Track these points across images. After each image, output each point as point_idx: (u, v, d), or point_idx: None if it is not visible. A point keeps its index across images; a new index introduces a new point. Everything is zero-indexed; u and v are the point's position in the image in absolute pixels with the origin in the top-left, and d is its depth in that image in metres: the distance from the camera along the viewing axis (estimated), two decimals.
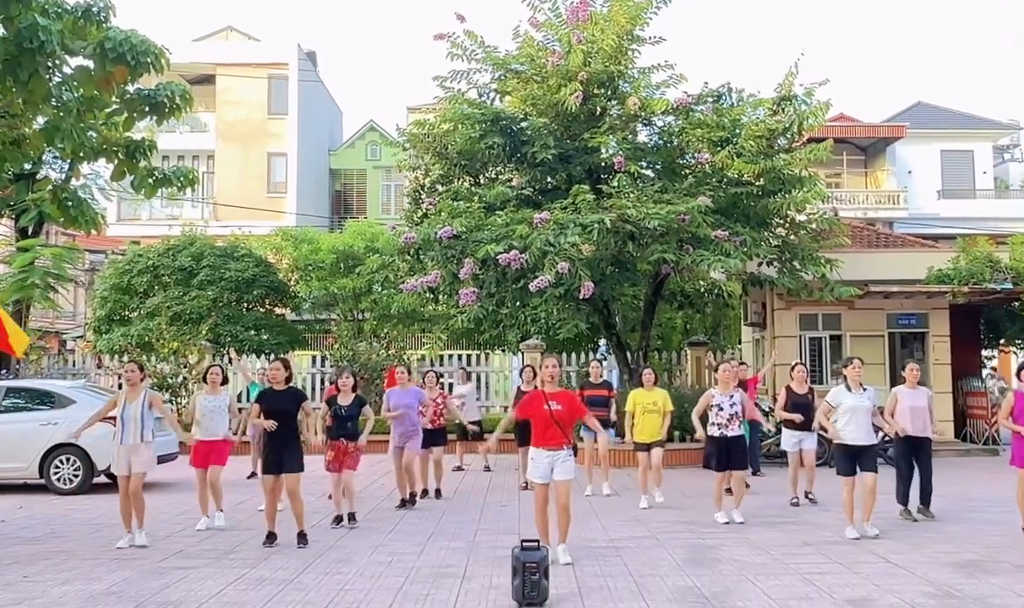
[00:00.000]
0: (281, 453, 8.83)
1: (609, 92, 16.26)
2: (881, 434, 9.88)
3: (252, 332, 21.89)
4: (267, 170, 36.37)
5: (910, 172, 35.98)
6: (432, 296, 16.99)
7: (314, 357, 22.03)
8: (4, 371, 17.95)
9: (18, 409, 13.31)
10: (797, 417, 11.34)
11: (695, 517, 10.42)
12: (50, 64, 9.68)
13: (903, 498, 10.30)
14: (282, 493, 9.13)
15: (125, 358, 19.27)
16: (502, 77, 16.77)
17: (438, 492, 12.30)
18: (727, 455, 10.07)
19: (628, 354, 17.60)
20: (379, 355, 19.54)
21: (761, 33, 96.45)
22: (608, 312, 17.62)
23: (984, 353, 21.44)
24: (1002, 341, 21.52)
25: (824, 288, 15.80)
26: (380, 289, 22.97)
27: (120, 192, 24.08)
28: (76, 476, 12.86)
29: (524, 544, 6.78)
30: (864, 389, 9.45)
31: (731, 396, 10.17)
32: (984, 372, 20.00)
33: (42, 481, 12.89)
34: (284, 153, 36.38)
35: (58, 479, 12.86)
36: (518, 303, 16.15)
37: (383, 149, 35.95)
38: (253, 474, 13.40)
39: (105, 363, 21.83)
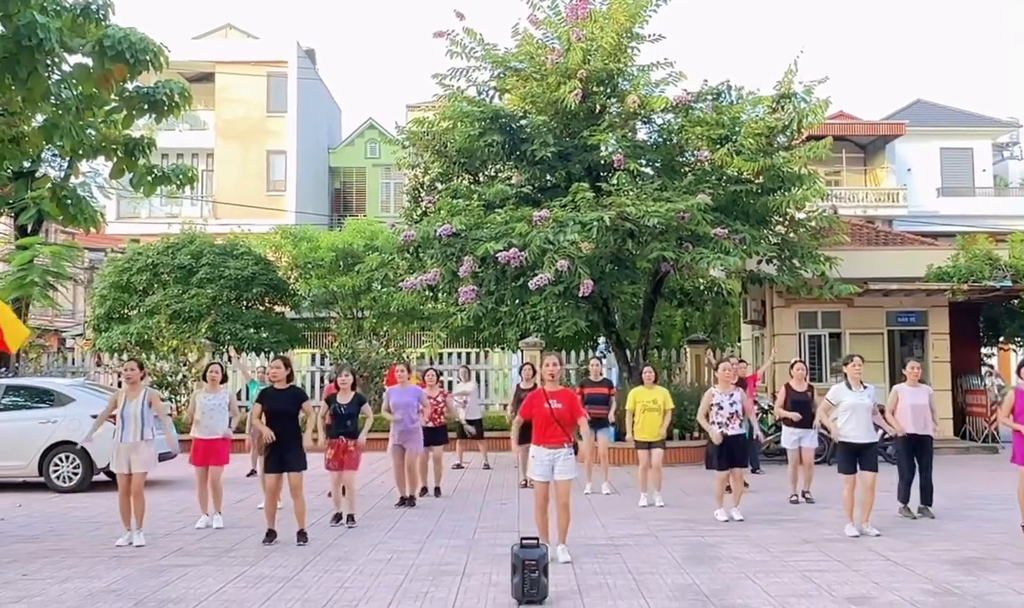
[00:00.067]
0: (284, 453, 8.82)
1: (608, 90, 16.25)
2: (880, 431, 9.87)
3: (251, 330, 21.90)
4: (266, 168, 36.35)
5: (909, 170, 35.99)
6: (431, 294, 16.99)
7: (313, 355, 22.02)
8: (3, 369, 17.95)
9: (17, 407, 13.30)
10: (795, 416, 11.34)
11: (694, 515, 10.42)
12: (49, 62, 9.67)
13: (904, 496, 10.30)
14: (282, 492, 9.13)
15: (124, 356, 19.28)
16: (501, 75, 16.76)
17: (437, 490, 12.30)
18: (729, 453, 10.07)
19: (627, 352, 17.60)
20: (378, 353, 19.53)
21: (760, 31, 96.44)
22: (607, 310, 17.62)
23: (984, 351, 21.44)
24: (1001, 339, 21.53)
25: (823, 286, 15.79)
26: (379, 287, 23.00)
27: (119, 190, 24.08)
28: (75, 474, 12.86)
29: (523, 542, 6.78)
30: (864, 387, 9.45)
31: (731, 395, 10.18)
32: (983, 370, 20.00)
33: (41, 479, 12.89)
34: (283, 151, 36.37)
35: (57, 477, 12.85)
36: (517, 301, 16.15)
37: (382, 147, 35.92)
38: (252, 472, 13.40)
39: (104, 361, 21.83)
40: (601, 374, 13.05)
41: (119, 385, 16.76)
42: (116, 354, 21.24)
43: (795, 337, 18.03)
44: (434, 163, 17.35)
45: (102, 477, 12.95)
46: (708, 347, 19.43)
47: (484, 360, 21.36)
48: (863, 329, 17.99)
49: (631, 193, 14.63)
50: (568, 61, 15.48)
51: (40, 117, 10.88)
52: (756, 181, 15.72)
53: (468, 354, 21.21)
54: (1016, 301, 18.47)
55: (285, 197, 35.76)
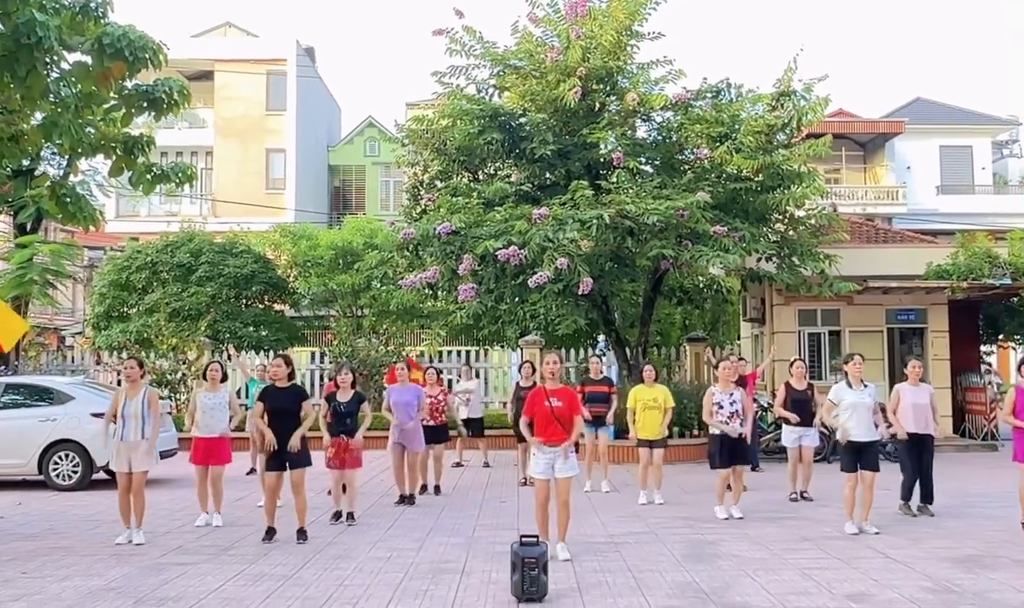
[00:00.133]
0: (285, 450, 8.81)
1: (608, 88, 16.24)
2: (881, 429, 9.87)
3: (251, 328, 21.90)
4: (266, 166, 36.33)
5: (909, 168, 35.97)
6: (431, 292, 16.99)
7: (313, 353, 22.02)
8: (3, 367, 17.95)
9: (17, 405, 13.28)
10: (793, 417, 11.35)
11: (694, 513, 10.42)
12: (48, 60, 9.65)
13: (907, 494, 10.30)
14: (281, 490, 9.13)
15: (124, 355, 19.28)
16: (501, 73, 16.75)
17: (437, 488, 12.30)
18: (730, 451, 10.07)
19: (627, 350, 17.60)
20: (378, 351, 19.53)
21: (760, 29, 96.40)
22: (607, 308, 17.62)
23: (983, 349, 21.44)
24: (1001, 337, 21.54)
25: (823, 284, 15.79)
26: (379, 285, 23.01)
27: (118, 188, 24.11)
28: (75, 472, 12.85)
29: (523, 540, 6.78)
30: (865, 385, 9.46)
31: (731, 394, 10.19)
32: (983, 368, 20.01)
33: (41, 477, 12.88)
34: (283, 149, 36.34)
35: (57, 475, 12.84)
36: (517, 299, 16.15)
37: (382, 145, 35.94)
38: (252, 470, 13.39)
39: (104, 359, 21.83)
40: (601, 372, 13.03)
41: (118, 383, 16.78)
42: (115, 352, 21.25)
43: (794, 335, 18.02)
44: (433, 161, 17.35)
45: (102, 475, 12.95)
46: (708, 345, 19.42)
47: (484, 358, 21.36)
48: (862, 327, 17.98)
49: (630, 191, 14.62)
50: (567, 59, 15.47)
51: (39, 115, 10.85)
52: (755, 179, 15.72)
53: (468, 352, 21.22)
54: (1015, 299, 18.47)
55: (284, 195, 35.74)
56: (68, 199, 12.12)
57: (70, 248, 20.59)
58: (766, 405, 15.63)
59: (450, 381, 18.05)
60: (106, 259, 24.93)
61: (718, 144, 15.21)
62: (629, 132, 16.12)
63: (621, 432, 13.76)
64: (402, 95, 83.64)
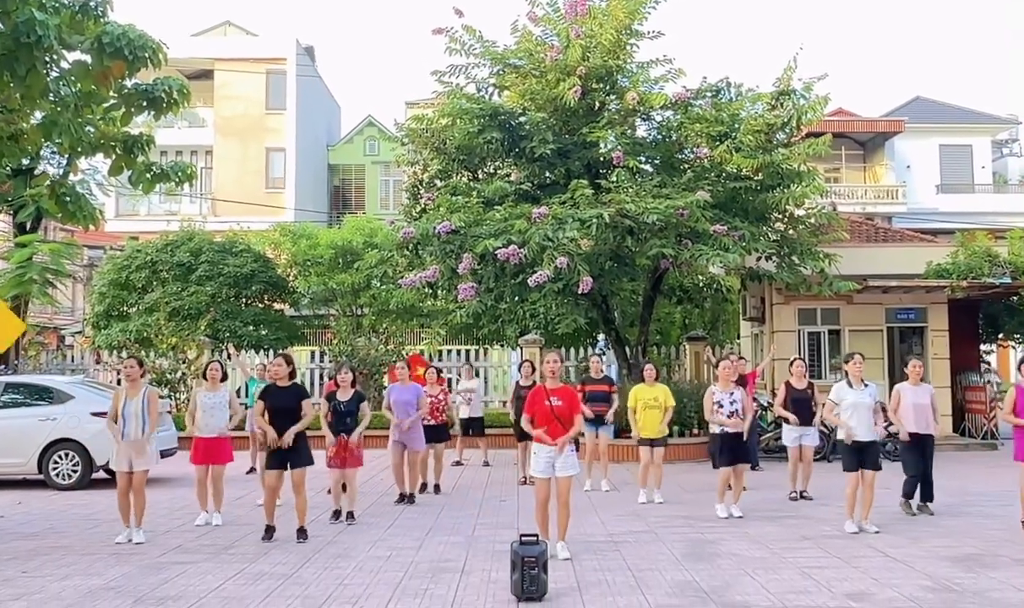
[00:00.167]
0: (286, 450, 8.81)
1: (607, 87, 16.24)
2: (883, 427, 9.87)
3: (251, 327, 21.90)
4: (265, 165, 36.32)
5: (909, 167, 35.97)
6: (431, 291, 16.98)
7: (313, 352, 22.03)
8: (3, 367, 17.96)
9: (17, 405, 13.28)
10: (792, 418, 11.36)
11: (694, 512, 10.42)
12: (47, 59, 9.64)
13: (908, 493, 10.30)
14: (281, 489, 9.13)
15: (124, 354, 19.27)
16: (500, 72, 16.75)
17: (437, 487, 12.31)
18: (731, 450, 10.08)
19: (627, 349, 17.60)
20: (378, 350, 19.53)
21: (760, 28, 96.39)
22: (607, 307, 17.62)
23: (983, 347, 21.44)
24: (1000, 335, 21.54)
25: (823, 283, 15.79)
26: (379, 284, 22.99)
27: (118, 187, 24.12)
28: (75, 472, 12.85)
29: (523, 538, 6.78)
30: (865, 385, 9.46)
31: (731, 393, 10.19)
32: (982, 367, 20.01)
33: (41, 477, 12.88)
34: (282, 148, 36.34)
35: (57, 474, 12.84)
36: (517, 298, 16.15)
37: (381, 144, 35.95)
38: (252, 469, 13.39)
39: (104, 358, 21.83)
40: (602, 371, 13.03)
41: (118, 383, 16.78)
42: (115, 351, 21.25)
43: (794, 334, 18.03)
44: (433, 160, 17.34)
45: (101, 475, 12.95)
46: (707, 344, 19.42)
47: (483, 357, 21.37)
48: (862, 326, 17.98)
49: (630, 190, 14.62)
50: (567, 58, 15.47)
51: (39, 114, 10.85)
52: (755, 178, 15.72)
53: (467, 351, 21.22)
54: (1015, 298, 18.47)
55: (284, 194, 35.73)
56: (68, 198, 12.11)
57: (70, 247, 20.57)
58: (766, 404, 15.63)
59: (451, 380, 18.04)
60: (106, 258, 24.93)
61: (718, 143, 15.21)
62: (629, 131, 16.13)
63: (621, 431, 13.76)
64: (402, 94, 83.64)
